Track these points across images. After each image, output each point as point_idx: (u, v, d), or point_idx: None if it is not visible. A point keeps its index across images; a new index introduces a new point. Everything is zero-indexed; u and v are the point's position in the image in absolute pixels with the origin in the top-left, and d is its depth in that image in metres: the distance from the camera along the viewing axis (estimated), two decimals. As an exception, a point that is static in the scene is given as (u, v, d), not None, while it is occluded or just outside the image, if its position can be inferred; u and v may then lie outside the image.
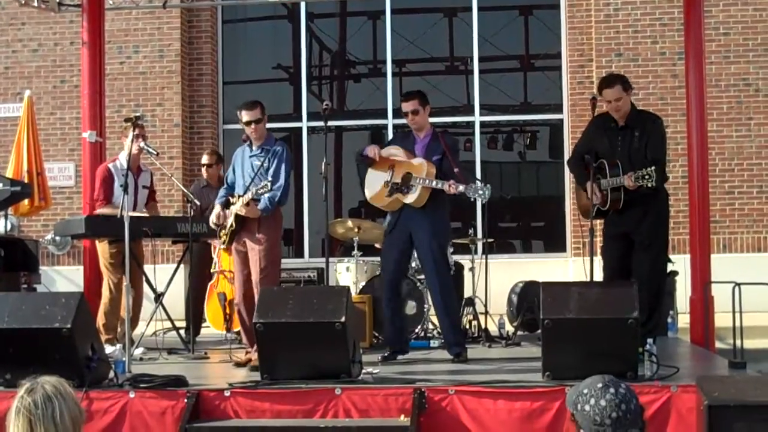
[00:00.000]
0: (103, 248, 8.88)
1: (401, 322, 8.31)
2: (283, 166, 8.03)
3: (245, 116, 8.08)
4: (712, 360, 7.92)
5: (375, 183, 8.21)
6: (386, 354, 8.01)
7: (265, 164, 8.00)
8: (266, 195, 7.84)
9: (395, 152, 8.17)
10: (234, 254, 8.24)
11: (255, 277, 7.86)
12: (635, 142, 7.89)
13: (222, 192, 8.31)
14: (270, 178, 7.88)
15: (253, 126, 8.05)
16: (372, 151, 8.15)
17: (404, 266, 8.42)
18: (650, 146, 7.85)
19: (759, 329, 8.25)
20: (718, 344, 9.04)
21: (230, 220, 8.01)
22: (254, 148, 8.13)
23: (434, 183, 7.78)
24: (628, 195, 7.74)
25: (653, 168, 7.47)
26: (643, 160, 7.67)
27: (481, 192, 7.61)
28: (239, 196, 8.00)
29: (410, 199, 7.90)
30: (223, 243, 8.30)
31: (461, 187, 7.61)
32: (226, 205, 8.16)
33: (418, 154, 8.04)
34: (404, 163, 8.03)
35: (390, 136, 15.12)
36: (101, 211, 8.95)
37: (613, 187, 7.78)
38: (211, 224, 8.28)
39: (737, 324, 7.56)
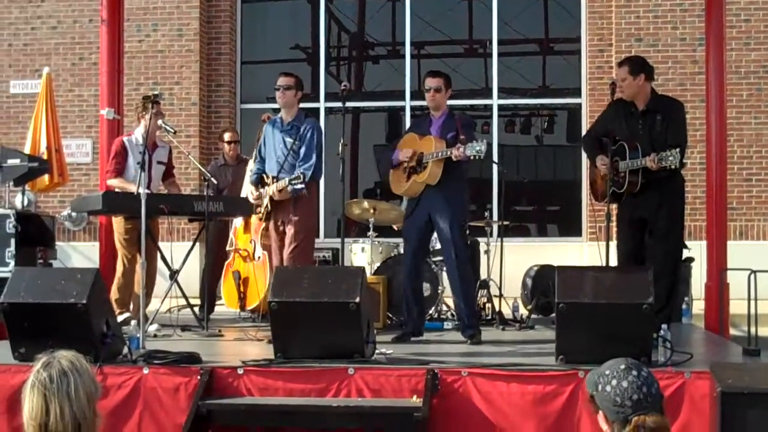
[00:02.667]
0: (118, 224, 8.92)
1: (421, 304, 8.34)
2: (314, 144, 8.19)
3: (278, 81, 8.30)
4: (727, 347, 7.90)
5: (396, 174, 8.28)
6: (399, 334, 8.03)
7: (297, 142, 8.11)
8: (298, 176, 8.00)
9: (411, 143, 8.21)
10: (272, 235, 8.40)
11: (286, 253, 8.02)
12: (657, 126, 7.86)
13: (255, 168, 8.48)
14: (301, 161, 8.00)
15: (281, 91, 8.21)
16: (404, 154, 8.16)
17: (425, 249, 8.43)
18: (671, 131, 7.82)
19: (774, 317, 8.23)
20: (732, 331, 9.03)
21: (265, 201, 8.17)
22: (285, 123, 8.26)
23: (440, 153, 7.82)
24: (645, 178, 7.72)
25: (677, 150, 7.44)
26: (664, 145, 7.64)
27: (477, 148, 7.59)
28: (273, 178, 8.13)
29: (423, 176, 7.92)
30: (261, 219, 8.58)
31: (462, 149, 7.63)
32: (259, 182, 8.33)
33: (433, 133, 8.06)
34: (416, 145, 8.07)
35: (407, 117, 15.15)
36: (110, 182, 9.03)
37: (632, 170, 7.75)
38: (252, 201, 8.51)
39: (752, 311, 7.55)
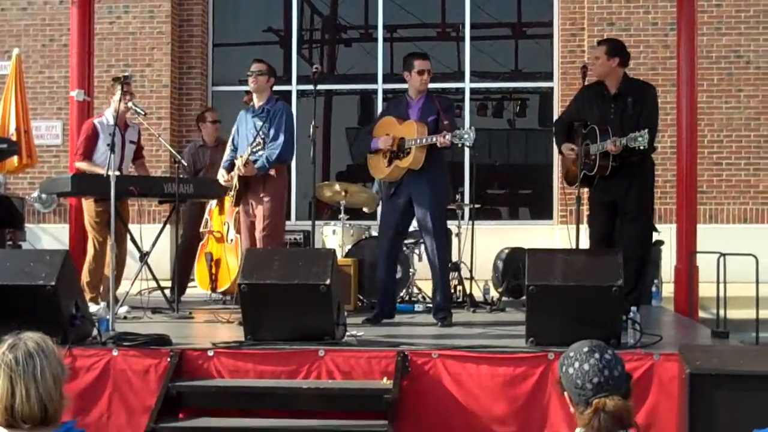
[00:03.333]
0: (88, 206, 8.87)
1: (393, 285, 8.36)
2: (283, 125, 8.18)
3: (251, 67, 8.37)
4: (696, 329, 7.96)
5: (375, 159, 8.25)
6: (370, 316, 8.04)
7: (267, 124, 8.13)
8: (263, 154, 8.09)
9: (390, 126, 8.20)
10: (242, 216, 8.44)
11: (257, 235, 8.03)
12: (629, 109, 7.86)
13: (227, 155, 8.49)
14: (270, 142, 8.09)
15: (254, 76, 8.26)
16: (383, 142, 8.14)
17: (403, 231, 8.42)
18: (644, 114, 7.82)
19: (742, 299, 8.25)
20: (701, 314, 9.09)
21: (234, 181, 8.17)
22: (256, 108, 8.30)
23: (425, 140, 7.80)
24: (615, 162, 7.73)
25: (646, 130, 7.44)
26: (636, 128, 7.64)
27: (466, 135, 7.60)
28: (241, 157, 8.15)
29: (406, 162, 7.91)
30: (232, 203, 8.60)
31: (448, 136, 7.63)
32: (231, 167, 8.34)
33: (413, 116, 8.05)
34: (397, 129, 8.05)
35: (380, 101, 15.14)
36: (78, 165, 8.97)
37: (602, 153, 7.76)
38: (223, 184, 8.52)
39: (721, 294, 7.58)
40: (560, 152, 8.31)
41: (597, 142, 7.79)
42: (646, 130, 7.44)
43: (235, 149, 8.49)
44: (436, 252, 8.00)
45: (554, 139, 8.65)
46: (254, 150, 8.08)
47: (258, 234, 8.16)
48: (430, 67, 8.13)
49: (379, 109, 14.91)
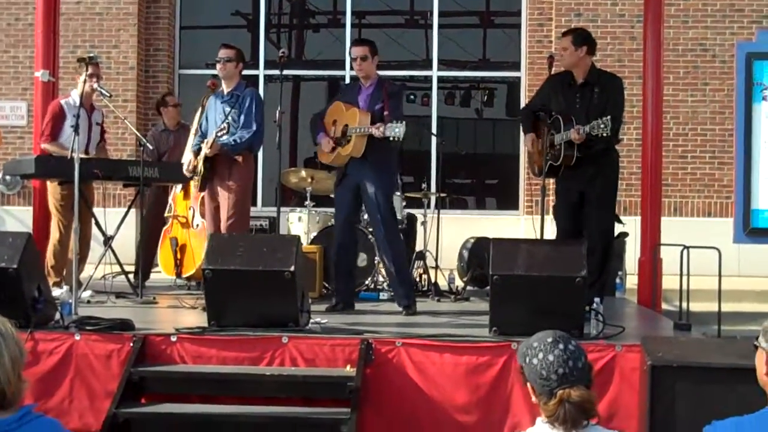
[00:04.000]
0: (53, 189, 8.79)
1: (350, 275, 8.34)
2: (253, 111, 8.17)
3: (219, 53, 8.31)
4: (658, 321, 8.01)
5: (323, 144, 8.24)
6: (332, 304, 8.03)
7: (235, 110, 8.09)
8: (232, 137, 8.07)
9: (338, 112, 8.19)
10: (206, 200, 8.40)
11: (223, 223, 7.98)
12: (595, 99, 7.87)
13: (195, 140, 8.48)
14: (241, 128, 8.11)
15: (222, 63, 8.25)
16: (326, 144, 8.17)
17: (354, 218, 8.43)
18: (610, 104, 7.82)
19: (705, 292, 8.29)
20: (664, 306, 9.13)
21: (200, 166, 8.12)
22: (225, 94, 8.25)
23: (363, 129, 7.83)
24: (580, 152, 7.74)
25: (608, 117, 7.44)
26: (601, 117, 7.65)
27: (397, 129, 7.61)
28: (207, 142, 8.12)
29: (347, 150, 7.93)
30: (197, 188, 8.54)
31: (382, 128, 7.67)
32: (199, 152, 8.29)
33: (361, 104, 8.05)
34: (342, 116, 8.07)
35: (347, 87, 15.08)
36: (45, 146, 8.89)
37: (567, 142, 7.76)
38: (185, 172, 8.41)
39: (684, 287, 7.62)
40: (525, 137, 8.31)
41: (561, 131, 7.80)
42: (609, 117, 7.43)
43: (202, 135, 8.43)
44: (386, 240, 8.02)
45: (521, 127, 8.66)
46: (219, 135, 8.02)
47: (223, 221, 8.12)
48: (363, 53, 8.09)
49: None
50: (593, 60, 8.18)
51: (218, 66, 8.30)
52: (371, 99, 8.04)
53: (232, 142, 8.08)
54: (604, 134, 7.44)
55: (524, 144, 8.18)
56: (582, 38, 8.08)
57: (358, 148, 7.89)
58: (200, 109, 9.26)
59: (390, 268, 8.04)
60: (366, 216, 9.17)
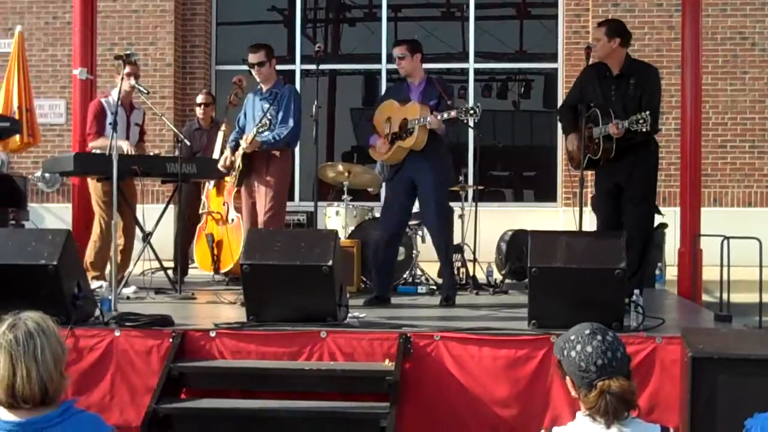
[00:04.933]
0: (95, 186, 8.85)
1: (391, 268, 8.36)
2: (291, 109, 8.20)
3: (249, 58, 8.35)
4: (698, 313, 7.94)
5: (378, 145, 8.27)
6: (369, 298, 8.05)
7: (274, 107, 8.12)
8: (271, 134, 8.11)
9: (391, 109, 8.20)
10: (243, 196, 8.43)
11: (261, 217, 8.04)
12: (630, 90, 7.82)
13: (233, 136, 8.55)
14: (280, 125, 8.15)
15: (256, 69, 8.29)
16: (381, 144, 8.20)
17: (407, 215, 8.42)
18: (646, 95, 7.77)
19: (746, 283, 8.24)
20: (705, 297, 9.07)
21: (238, 161, 8.15)
22: (264, 91, 8.31)
23: (429, 118, 7.81)
24: (619, 144, 7.69)
25: (648, 112, 7.41)
26: (637, 109, 7.61)
27: (472, 111, 7.63)
28: (246, 137, 8.16)
29: (410, 142, 7.93)
30: (234, 184, 8.55)
31: (453, 112, 7.70)
32: (236, 148, 8.34)
33: (414, 100, 8.05)
34: (399, 111, 8.06)
35: (383, 81, 15.10)
36: (93, 143, 8.95)
37: (605, 136, 7.72)
38: (221, 168, 8.46)
39: (725, 278, 7.57)
40: (566, 136, 8.28)
41: (599, 125, 7.76)
42: (648, 112, 7.41)
43: (241, 131, 8.47)
44: (438, 233, 8.04)
45: (560, 125, 8.63)
46: (260, 130, 8.07)
47: (260, 216, 8.15)
48: (400, 52, 8.14)
49: (383, 90, 14.91)
50: (629, 50, 8.12)
51: (254, 72, 8.33)
52: (424, 96, 8.07)
53: (272, 140, 8.11)
54: (644, 129, 7.40)
55: (567, 145, 8.10)
56: (615, 29, 8.02)
57: (420, 140, 7.90)
58: (228, 106, 9.31)
59: (442, 256, 8.09)
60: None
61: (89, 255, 8.68)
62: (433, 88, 8.04)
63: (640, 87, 7.80)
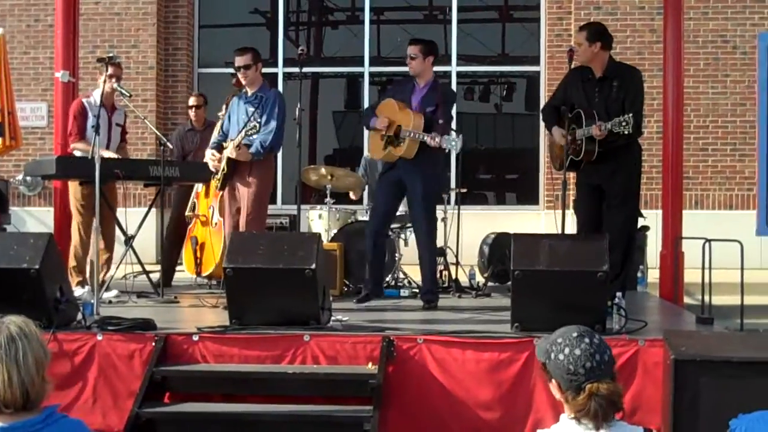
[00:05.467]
0: (74, 189, 8.81)
1: (381, 265, 8.41)
2: (275, 112, 8.23)
3: (236, 61, 8.38)
4: (681, 315, 7.97)
5: (374, 138, 8.34)
6: (361, 296, 8.13)
7: (259, 110, 8.13)
8: (257, 139, 8.12)
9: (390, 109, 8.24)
10: (225, 198, 8.43)
11: (242, 220, 8.03)
12: (613, 93, 7.85)
13: (215, 137, 8.51)
14: (263, 127, 8.09)
15: (242, 71, 8.28)
16: (380, 123, 8.20)
17: (393, 214, 8.51)
18: (628, 98, 7.80)
19: (728, 286, 8.26)
20: (687, 300, 9.09)
21: (222, 164, 8.16)
22: (249, 95, 8.30)
23: (418, 136, 7.88)
24: (602, 147, 7.72)
25: (630, 115, 7.44)
26: (620, 111, 7.64)
27: (453, 143, 7.73)
28: (231, 141, 8.15)
29: (400, 151, 8.00)
30: (216, 188, 8.48)
31: (438, 139, 7.71)
32: (218, 149, 8.36)
33: (414, 103, 8.13)
34: (396, 115, 8.09)
35: (366, 84, 15.11)
36: (74, 145, 8.91)
37: (588, 137, 7.75)
38: (211, 167, 8.43)
39: (706, 280, 7.59)
40: (551, 135, 8.30)
41: (582, 126, 7.78)
42: (631, 115, 7.44)
43: (224, 134, 8.47)
44: (426, 235, 8.11)
45: (544, 124, 8.65)
46: (249, 133, 8.07)
47: (242, 218, 8.15)
48: (413, 51, 8.24)
49: (366, 93, 14.92)
50: (611, 53, 8.14)
51: (240, 74, 8.34)
52: (424, 100, 8.12)
53: (259, 148, 8.12)
54: (626, 131, 7.43)
55: (554, 138, 8.12)
56: (597, 33, 8.05)
57: (410, 151, 7.97)
58: (225, 107, 9.30)
59: (426, 261, 8.13)
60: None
61: (70, 260, 8.65)
62: (435, 94, 8.08)
63: (623, 89, 7.84)
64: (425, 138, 7.79)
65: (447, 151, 8.03)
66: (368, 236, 8.31)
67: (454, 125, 9.07)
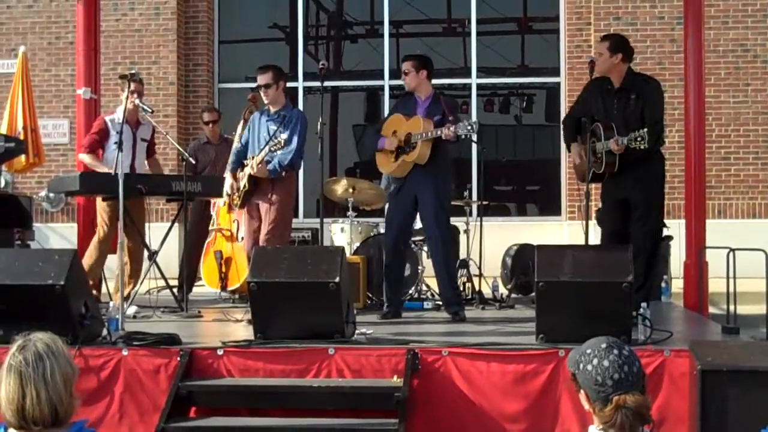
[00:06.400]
0: (101, 204, 8.90)
1: (400, 282, 8.40)
2: (298, 131, 8.18)
3: (258, 79, 8.33)
4: (706, 325, 7.93)
5: (382, 155, 8.35)
6: (383, 314, 8.11)
7: (281, 128, 8.13)
8: (277, 157, 8.09)
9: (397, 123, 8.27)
10: (245, 215, 8.42)
11: (263, 235, 8.02)
12: (631, 104, 7.84)
13: (232, 158, 8.53)
14: (283, 141, 8.04)
15: (263, 90, 8.26)
16: (389, 143, 8.23)
17: (408, 230, 8.49)
18: (648, 108, 7.79)
19: (752, 295, 8.24)
20: (711, 309, 9.06)
21: (243, 182, 8.17)
22: (271, 112, 8.29)
23: (430, 133, 7.88)
24: (623, 159, 7.71)
25: (645, 130, 7.42)
26: (639, 122, 7.63)
27: (469, 126, 7.67)
28: (253, 158, 8.15)
29: (413, 156, 7.98)
30: (236, 205, 8.45)
31: (452, 128, 7.70)
32: (238, 168, 8.38)
33: (420, 114, 8.10)
34: (404, 126, 8.10)
35: (386, 97, 15.13)
36: (81, 157, 9.03)
37: (608, 150, 7.74)
38: (225, 195, 8.49)
39: (731, 289, 7.55)
40: (568, 150, 8.30)
41: (602, 140, 7.77)
42: (645, 130, 7.42)
43: (243, 147, 8.46)
44: (443, 246, 8.11)
45: (562, 137, 8.64)
46: (273, 149, 8.05)
47: (262, 235, 8.13)
48: (405, 67, 8.24)
49: (386, 106, 14.95)
50: (630, 65, 8.13)
51: (261, 94, 8.34)
52: (428, 112, 8.12)
53: (277, 166, 8.12)
54: (642, 146, 7.42)
55: (571, 158, 8.12)
56: (618, 44, 8.04)
57: (423, 154, 7.95)
58: (242, 122, 9.32)
59: (442, 272, 8.11)
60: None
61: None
62: (439, 105, 8.09)
63: (641, 101, 7.82)
64: (439, 133, 7.79)
65: (463, 138, 7.92)
66: (387, 256, 8.32)
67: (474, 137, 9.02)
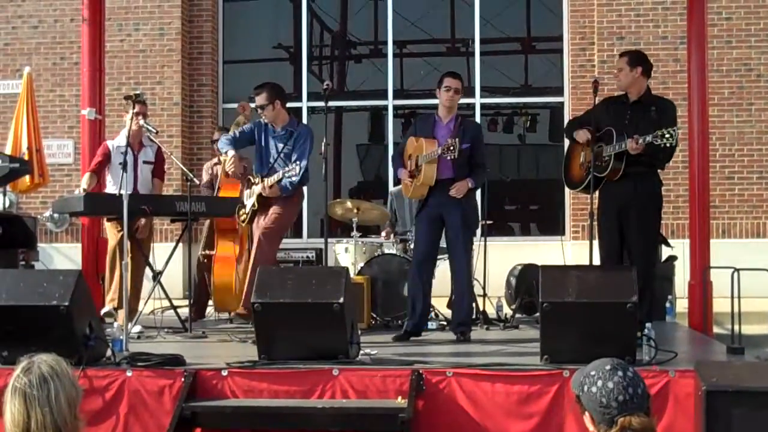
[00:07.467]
0: (107, 226, 8.95)
1: (425, 304, 8.33)
2: (306, 151, 8.25)
3: (255, 100, 8.31)
4: (711, 345, 7.91)
5: (402, 176, 8.41)
6: (399, 334, 8.11)
7: (288, 146, 8.13)
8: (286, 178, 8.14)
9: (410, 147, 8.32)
10: (254, 233, 8.42)
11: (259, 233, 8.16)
12: (649, 115, 7.69)
13: (227, 139, 8.58)
14: (294, 163, 8.07)
15: (260, 111, 8.24)
16: (404, 174, 8.32)
17: (436, 247, 8.43)
18: (663, 121, 7.64)
19: (758, 315, 8.24)
20: (716, 329, 9.04)
21: (252, 200, 8.19)
22: (278, 129, 8.27)
23: (433, 153, 7.94)
24: (626, 168, 7.61)
25: (676, 128, 7.35)
26: (653, 132, 7.52)
27: (452, 148, 7.75)
28: (262, 177, 8.15)
29: (419, 180, 8.04)
30: (243, 222, 8.46)
31: (469, 181, 7.96)
32: (233, 144, 8.48)
33: (439, 137, 8.13)
34: (414, 149, 8.21)
35: (390, 117, 15.15)
36: (85, 176, 9.06)
37: (617, 153, 7.62)
38: (228, 171, 8.48)
39: (736, 309, 7.54)
40: (571, 140, 8.17)
41: (613, 142, 7.65)
42: (676, 128, 7.35)
43: (237, 138, 8.49)
44: (465, 266, 8.14)
45: (565, 133, 8.56)
46: (287, 174, 8.07)
47: (259, 233, 8.21)
48: (458, 86, 8.24)
49: (390, 126, 14.97)
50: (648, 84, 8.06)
51: (260, 113, 8.37)
52: (453, 134, 8.05)
53: (288, 185, 8.18)
54: (669, 144, 7.30)
55: (580, 136, 7.98)
56: (638, 59, 7.98)
57: (429, 176, 7.98)
58: (233, 127, 9.34)
59: (464, 293, 8.14)
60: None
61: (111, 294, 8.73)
62: (460, 130, 8.08)
63: (659, 114, 7.71)
64: (439, 152, 7.83)
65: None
66: (413, 275, 8.28)
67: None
